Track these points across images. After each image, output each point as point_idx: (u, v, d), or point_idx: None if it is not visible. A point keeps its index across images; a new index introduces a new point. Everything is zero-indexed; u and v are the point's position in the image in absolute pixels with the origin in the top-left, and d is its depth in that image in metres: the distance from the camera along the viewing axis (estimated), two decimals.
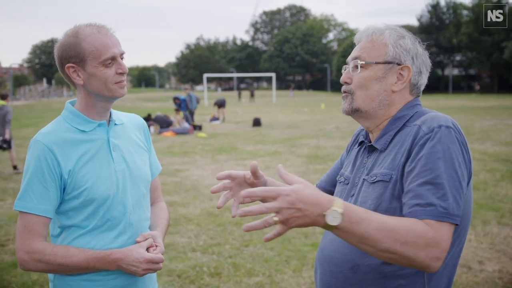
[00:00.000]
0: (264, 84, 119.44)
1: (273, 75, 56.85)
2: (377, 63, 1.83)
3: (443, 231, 1.54)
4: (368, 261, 1.73)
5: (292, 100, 55.44)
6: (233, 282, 5.03)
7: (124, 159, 2.13)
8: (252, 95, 54.77)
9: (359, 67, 1.85)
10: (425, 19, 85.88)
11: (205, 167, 11.92)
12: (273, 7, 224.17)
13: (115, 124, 2.16)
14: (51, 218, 2.01)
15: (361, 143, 2.02)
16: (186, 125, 20.56)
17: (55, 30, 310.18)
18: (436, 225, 1.54)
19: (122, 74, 2.03)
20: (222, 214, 7.60)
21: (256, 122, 23.17)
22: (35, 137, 2.01)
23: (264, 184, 2.08)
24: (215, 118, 26.20)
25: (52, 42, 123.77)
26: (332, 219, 1.45)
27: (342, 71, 1.95)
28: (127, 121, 2.26)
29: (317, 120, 26.45)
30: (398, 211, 1.68)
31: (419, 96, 1.92)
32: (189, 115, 21.93)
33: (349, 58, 1.92)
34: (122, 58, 2.04)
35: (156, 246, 2.09)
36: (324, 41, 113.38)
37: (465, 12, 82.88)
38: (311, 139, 17.47)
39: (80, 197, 2.00)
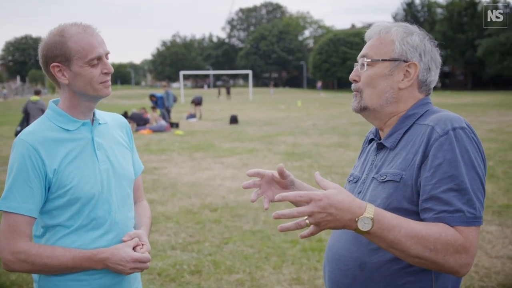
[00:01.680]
0: (241, 82, 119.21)
1: (249, 72, 56.86)
2: (383, 60, 1.83)
3: (472, 236, 1.58)
4: (375, 258, 1.74)
5: (268, 98, 55.50)
6: (214, 280, 5.04)
7: (108, 158, 2.12)
8: (228, 92, 54.64)
9: (365, 65, 1.86)
10: (400, 16, 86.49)
11: (183, 165, 11.89)
12: (249, 4, 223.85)
13: (99, 123, 2.16)
14: (36, 218, 1.99)
15: (371, 141, 2.03)
16: (163, 122, 20.46)
17: (29, 27, 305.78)
18: (465, 231, 1.58)
19: (107, 74, 2.03)
20: (201, 212, 7.60)
21: (233, 120, 23.16)
22: (19, 136, 2.00)
23: (291, 183, 2.12)
24: (191, 116, 26.12)
25: (26, 39, 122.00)
26: (363, 225, 1.52)
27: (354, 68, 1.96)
28: (110, 120, 2.26)
29: (294, 117, 26.54)
30: (408, 213, 1.68)
31: (429, 93, 1.91)
32: (166, 113, 21.83)
33: (358, 56, 1.92)
34: (107, 58, 2.04)
35: (143, 245, 2.09)
36: (300, 38, 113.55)
37: (439, 10, 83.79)
38: (288, 136, 17.53)
39: (65, 196, 1.99)
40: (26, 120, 13.73)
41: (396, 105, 1.85)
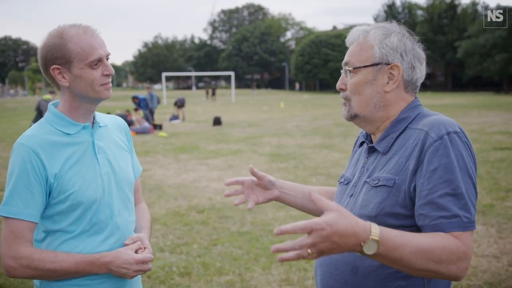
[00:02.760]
0: (223, 83, 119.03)
1: (232, 73, 56.82)
2: (365, 66, 1.81)
3: (469, 241, 1.59)
4: (368, 263, 1.73)
5: (251, 99, 55.51)
6: (204, 282, 5.04)
7: (109, 161, 2.10)
8: (213, 93, 54.46)
9: (348, 73, 1.85)
10: (381, 18, 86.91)
11: (168, 167, 11.85)
12: (231, 5, 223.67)
13: (99, 126, 2.14)
14: (37, 223, 1.97)
15: (362, 143, 2.03)
16: (146, 124, 20.37)
17: (9, 28, 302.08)
18: (463, 236, 1.59)
19: (108, 75, 2.00)
20: (188, 214, 7.59)
21: (217, 121, 23.13)
22: (18, 140, 1.96)
23: (271, 183, 2.18)
24: (174, 117, 26.03)
25: (5, 40, 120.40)
26: (369, 249, 1.46)
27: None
28: (110, 122, 2.23)
29: (277, 118, 26.58)
30: (401, 218, 1.69)
31: (416, 92, 1.89)
32: (149, 114, 21.75)
33: (342, 63, 1.90)
34: (107, 59, 2.02)
35: (144, 248, 2.08)
36: (282, 40, 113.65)
37: (419, 12, 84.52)
38: (272, 137, 17.56)
39: (66, 201, 1.97)
40: (39, 117, 14.45)
41: (385, 109, 1.83)
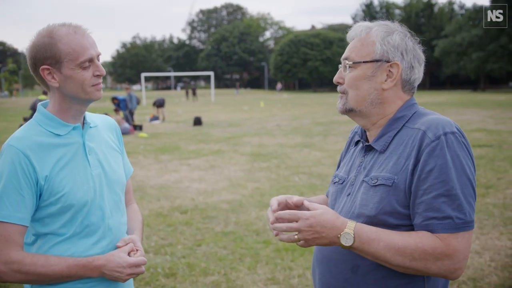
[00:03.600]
0: (202, 83, 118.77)
1: (211, 73, 56.70)
2: (365, 62, 1.81)
3: (458, 242, 1.61)
4: (368, 261, 1.75)
5: (231, 99, 55.48)
6: (189, 282, 5.01)
7: (100, 162, 2.07)
8: (194, 93, 54.25)
9: (347, 67, 1.85)
10: (359, 18, 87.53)
11: (149, 167, 11.78)
12: (209, 5, 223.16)
13: (90, 126, 2.10)
14: (27, 226, 1.93)
15: (357, 142, 2.03)
16: (126, 125, 20.20)
17: None
18: (449, 238, 1.60)
19: (99, 76, 1.98)
20: (171, 215, 7.55)
21: (197, 121, 23.06)
22: (7, 142, 1.92)
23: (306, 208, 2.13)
24: (155, 118, 25.89)
25: None
26: (346, 240, 1.65)
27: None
28: (100, 123, 2.20)
29: (258, 118, 26.59)
30: (402, 217, 1.70)
31: (413, 91, 1.90)
32: (129, 115, 21.60)
33: (341, 58, 1.90)
34: (98, 60, 1.99)
35: (137, 250, 2.05)
36: (261, 39, 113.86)
37: (397, 11, 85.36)
38: (253, 137, 17.56)
39: (57, 204, 1.94)
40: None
41: (381, 106, 1.84)
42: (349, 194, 1.88)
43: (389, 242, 1.63)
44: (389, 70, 1.81)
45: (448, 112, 26.27)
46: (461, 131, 1.71)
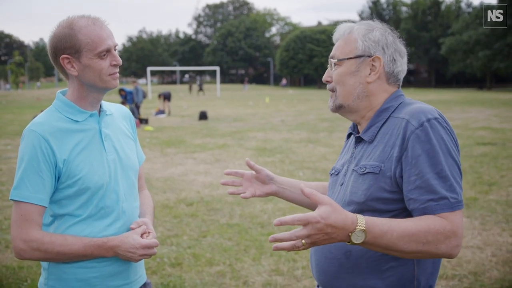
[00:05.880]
0: (207, 78, 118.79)
1: (217, 68, 56.70)
2: (348, 58, 1.93)
3: (457, 220, 1.69)
4: (359, 246, 1.79)
5: (236, 94, 55.55)
6: (195, 272, 5.11)
7: (115, 148, 2.17)
8: (201, 88, 54.14)
9: (333, 65, 1.97)
10: (366, 14, 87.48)
11: (155, 160, 11.89)
12: (216, 0, 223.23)
13: (106, 114, 2.20)
14: (46, 207, 2.03)
15: (350, 135, 2.14)
16: None
17: None
18: (450, 216, 1.68)
19: (116, 65, 2.07)
20: (177, 207, 7.65)
21: (202, 116, 23.16)
22: (28, 127, 2.02)
23: (269, 178, 2.30)
24: (160, 112, 26.00)
25: None
26: (357, 238, 1.59)
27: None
28: (115, 111, 2.30)
29: (263, 113, 26.67)
30: (388, 202, 1.79)
31: (398, 84, 2.00)
32: (135, 109, 21.71)
33: (328, 58, 2.03)
34: (115, 50, 2.08)
35: (149, 232, 2.15)
36: (267, 35, 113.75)
37: (404, 8, 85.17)
38: (258, 132, 17.65)
39: (74, 186, 2.03)
40: None
41: (368, 99, 1.94)
42: (342, 184, 1.99)
43: (402, 231, 1.63)
44: (372, 64, 1.92)
45: (454, 110, 26.28)
46: (443, 116, 1.80)
